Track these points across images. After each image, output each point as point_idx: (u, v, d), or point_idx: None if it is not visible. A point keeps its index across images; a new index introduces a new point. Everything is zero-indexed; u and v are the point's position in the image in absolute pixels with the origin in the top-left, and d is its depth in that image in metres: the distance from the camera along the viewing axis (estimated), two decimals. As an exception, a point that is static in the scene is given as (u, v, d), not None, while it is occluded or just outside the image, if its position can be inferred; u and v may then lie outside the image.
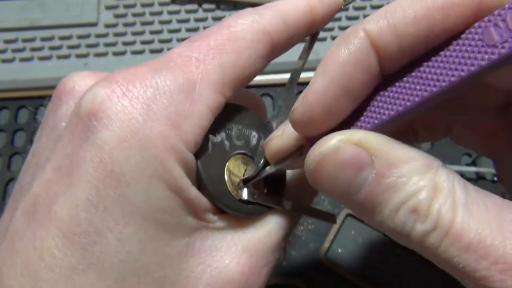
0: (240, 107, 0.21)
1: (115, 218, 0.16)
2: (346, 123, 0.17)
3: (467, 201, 0.15)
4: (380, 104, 0.16)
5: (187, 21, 0.47)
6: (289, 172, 0.22)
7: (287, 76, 0.22)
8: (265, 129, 0.22)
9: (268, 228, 0.20)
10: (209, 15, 0.47)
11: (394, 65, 0.16)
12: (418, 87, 0.16)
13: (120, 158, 0.16)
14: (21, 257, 0.16)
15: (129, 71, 0.18)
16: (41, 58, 0.46)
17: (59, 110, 0.20)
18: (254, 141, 0.21)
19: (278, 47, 0.20)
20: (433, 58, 0.16)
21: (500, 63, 0.15)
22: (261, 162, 0.20)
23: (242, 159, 0.21)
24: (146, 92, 0.17)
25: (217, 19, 0.47)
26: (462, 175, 0.38)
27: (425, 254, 0.16)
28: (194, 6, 0.47)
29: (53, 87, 0.21)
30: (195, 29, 0.47)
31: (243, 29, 0.19)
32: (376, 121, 0.16)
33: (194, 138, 0.18)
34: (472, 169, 0.38)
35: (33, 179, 0.18)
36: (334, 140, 0.16)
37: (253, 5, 0.51)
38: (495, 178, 0.38)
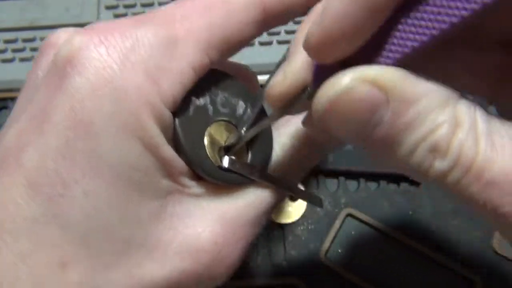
0: (229, 76, 0.20)
1: (83, 170, 0.16)
2: (364, 54, 0.15)
3: (491, 134, 0.14)
4: (400, 33, 0.14)
5: (187, 21, 0.47)
6: (275, 149, 0.21)
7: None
8: (254, 101, 0.21)
9: (248, 200, 0.19)
10: (209, 15, 0.47)
11: None
12: (448, 9, 0.13)
13: (91, 107, 0.16)
14: None
15: (111, 22, 0.17)
16: (41, 58, 0.46)
17: (40, 62, 0.19)
18: (240, 111, 0.20)
19: (271, 16, 0.19)
20: None
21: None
22: (245, 127, 0.19)
23: (225, 126, 0.20)
24: (124, 42, 0.17)
25: (217, 19, 0.47)
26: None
27: (446, 191, 0.15)
28: (194, 6, 0.47)
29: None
30: (195, 29, 0.47)
31: None
32: (397, 55, 0.15)
33: (172, 95, 0.17)
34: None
35: (6, 131, 0.17)
36: (346, 78, 0.14)
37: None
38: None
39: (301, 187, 0.21)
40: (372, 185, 0.39)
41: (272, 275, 0.36)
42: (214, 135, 0.19)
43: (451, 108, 0.14)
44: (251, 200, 0.20)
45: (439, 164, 0.14)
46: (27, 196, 0.16)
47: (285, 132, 0.22)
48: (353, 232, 0.37)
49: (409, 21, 0.14)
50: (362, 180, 0.39)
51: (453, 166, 0.14)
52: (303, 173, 0.23)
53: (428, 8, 0.14)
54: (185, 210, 0.18)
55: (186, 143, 0.18)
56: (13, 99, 0.44)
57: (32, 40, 0.47)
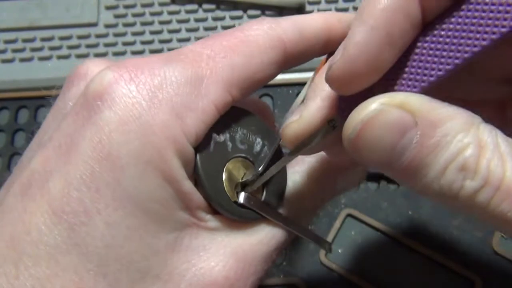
0: (248, 113, 0.21)
1: (106, 201, 0.16)
2: (386, 83, 0.16)
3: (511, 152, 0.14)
4: (422, 63, 0.15)
5: (187, 21, 0.47)
6: (289, 186, 0.22)
7: (287, 76, 0.22)
8: (271, 137, 0.22)
9: (261, 236, 0.20)
10: (209, 15, 0.47)
11: (436, 12, 0.15)
12: (470, 38, 0.14)
13: (118, 141, 0.16)
14: (9, 230, 0.16)
15: (140, 59, 0.18)
16: (41, 59, 0.46)
17: (69, 92, 0.20)
18: (258, 148, 0.21)
19: (291, 57, 0.20)
20: (473, 11, 0.14)
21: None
22: (262, 166, 0.20)
23: (243, 162, 0.21)
24: (153, 79, 0.17)
25: (217, 19, 0.47)
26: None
27: (474, 212, 0.15)
28: (194, 6, 0.47)
29: (53, 88, 0.21)
30: (195, 29, 0.47)
31: (257, 34, 0.19)
32: (423, 84, 0.15)
33: (196, 132, 0.18)
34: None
35: (33, 155, 0.18)
36: (375, 103, 0.15)
37: (253, 5, 0.51)
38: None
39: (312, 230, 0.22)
40: (372, 185, 0.39)
41: (272, 275, 0.36)
42: (232, 170, 0.20)
43: (475, 130, 0.15)
44: (264, 236, 0.20)
45: (470, 184, 0.14)
46: (50, 223, 0.16)
47: (299, 171, 0.23)
48: (353, 232, 0.37)
49: (431, 51, 0.15)
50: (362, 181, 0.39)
51: (483, 185, 0.14)
52: (314, 213, 0.23)
53: (449, 37, 0.15)
54: (200, 243, 0.19)
55: (205, 177, 0.19)
56: (13, 99, 0.44)
57: (32, 40, 0.47)
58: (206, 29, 0.47)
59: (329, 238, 0.36)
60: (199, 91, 0.18)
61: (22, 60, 0.46)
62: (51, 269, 0.16)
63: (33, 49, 0.46)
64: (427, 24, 0.15)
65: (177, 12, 0.47)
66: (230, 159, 0.20)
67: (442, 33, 0.15)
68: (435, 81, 0.15)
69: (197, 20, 0.47)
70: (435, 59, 0.15)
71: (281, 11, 0.46)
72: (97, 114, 0.17)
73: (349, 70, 0.15)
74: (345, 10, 0.46)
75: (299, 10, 0.46)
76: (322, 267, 0.36)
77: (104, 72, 0.18)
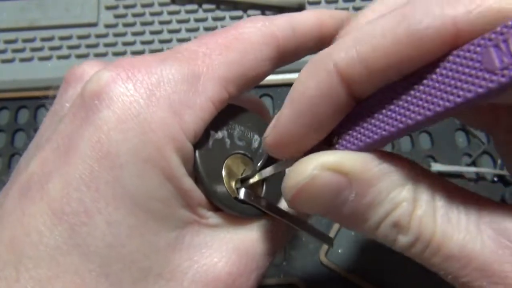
0: (245, 110, 0.21)
1: (106, 200, 0.16)
2: (326, 141, 0.17)
3: (447, 210, 0.15)
4: (356, 132, 0.16)
5: (187, 21, 0.47)
6: None
7: (287, 76, 0.23)
8: None
9: (262, 231, 0.20)
10: (209, 15, 0.47)
11: (367, 93, 0.16)
12: (400, 115, 0.15)
13: (117, 139, 0.16)
14: (8, 233, 0.16)
15: (136, 58, 0.18)
16: (41, 59, 0.46)
17: (66, 94, 0.20)
18: (255, 144, 0.21)
19: (285, 54, 0.20)
20: (419, 83, 0.14)
21: (499, 91, 0.13)
22: (260, 162, 0.20)
23: (242, 158, 0.21)
24: (150, 78, 0.17)
25: (217, 19, 0.47)
26: (462, 175, 0.38)
27: (413, 258, 0.16)
28: (194, 7, 0.47)
29: (56, 87, 0.21)
30: (195, 29, 0.47)
31: (251, 31, 0.19)
32: (353, 147, 0.16)
33: (194, 129, 0.18)
34: (472, 169, 0.38)
35: (31, 158, 0.18)
36: (309, 168, 0.16)
37: (254, 5, 0.51)
38: (495, 179, 0.38)
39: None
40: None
41: (272, 275, 0.36)
42: (231, 167, 0.20)
43: (409, 187, 0.15)
44: (265, 231, 0.20)
45: (402, 239, 0.15)
46: (50, 224, 0.16)
47: None
48: (353, 232, 0.37)
49: (362, 121, 0.16)
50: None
51: (415, 241, 0.15)
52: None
53: (382, 110, 0.15)
54: (202, 240, 0.19)
55: (205, 174, 0.19)
56: (13, 99, 0.44)
57: (32, 40, 0.47)
58: (206, 29, 0.47)
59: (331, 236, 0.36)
60: (196, 88, 0.18)
61: (22, 60, 0.46)
62: (52, 271, 0.16)
63: (33, 49, 0.46)
64: (358, 100, 0.16)
65: (177, 12, 0.47)
66: (229, 156, 0.20)
67: (374, 113, 0.15)
68: (372, 143, 0.16)
69: (197, 20, 0.47)
70: (370, 125, 0.15)
71: (281, 11, 0.46)
72: (95, 113, 0.17)
73: (278, 144, 0.17)
74: (345, 10, 0.46)
75: (299, 10, 0.46)
76: (322, 267, 0.36)
77: (101, 72, 0.18)
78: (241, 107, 0.21)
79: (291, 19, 0.20)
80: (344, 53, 0.15)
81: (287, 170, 0.18)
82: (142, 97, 0.17)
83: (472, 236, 0.15)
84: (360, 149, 0.16)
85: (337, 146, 0.17)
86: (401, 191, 0.15)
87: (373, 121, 0.16)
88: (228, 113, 0.20)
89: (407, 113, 0.15)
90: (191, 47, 0.19)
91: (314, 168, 0.15)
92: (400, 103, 0.15)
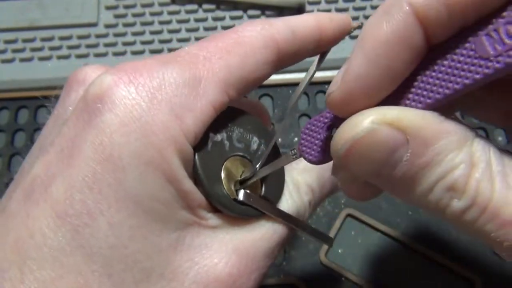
0: (244, 112, 0.21)
1: (108, 202, 0.16)
2: (385, 101, 0.16)
3: (505, 174, 0.15)
4: (422, 86, 0.15)
5: (187, 21, 0.47)
6: (287, 182, 0.22)
7: (287, 76, 0.23)
8: (267, 136, 0.22)
9: (262, 232, 0.20)
10: (209, 15, 0.47)
11: (443, 37, 0.15)
12: (455, 76, 0.15)
13: (119, 142, 0.17)
14: (13, 235, 0.16)
15: (138, 62, 0.18)
16: (41, 59, 0.46)
17: (68, 97, 0.20)
18: (254, 146, 0.21)
19: (285, 57, 0.20)
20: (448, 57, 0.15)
21: (498, 75, 0.14)
22: (259, 164, 0.21)
23: (241, 160, 0.21)
24: (152, 81, 0.18)
25: (217, 19, 0.47)
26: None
27: (461, 227, 0.15)
28: (194, 7, 0.47)
29: (53, 88, 0.21)
30: (195, 29, 0.47)
31: (251, 35, 0.20)
32: (419, 105, 0.16)
33: (194, 131, 0.18)
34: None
35: (34, 161, 0.18)
36: (366, 121, 0.15)
37: (254, 5, 0.51)
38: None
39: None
40: (372, 185, 0.39)
41: (272, 275, 0.36)
42: (231, 169, 0.20)
43: (467, 149, 0.15)
44: (265, 232, 0.20)
45: (456, 204, 0.15)
46: (54, 226, 0.16)
47: (296, 168, 0.23)
48: (353, 232, 0.37)
49: (430, 79, 0.15)
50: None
51: (470, 206, 0.15)
52: (313, 209, 0.24)
53: (450, 65, 0.15)
54: (202, 241, 0.19)
55: (204, 176, 0.19)
56: (13, 99, 0.44)
57: (32, 40, 0.47)
58: (206, 29, 0.47)
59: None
60: (197, 92, 0.18)
61: (22, 60, 0.46)
62: (56, 272, 0.16)
63: (33, 49, 0.46)
64: (433, 47, 0.15)
65: (177, 12, 0.47)
66: (228, 158, 0.20)
67: (443, 61, 0.15)
68: (433, 103, 0.15)
69: (197, 20, 0.47)
70: (436, 83, 0.15)
71: (281, 11, 0.46)
72: (98, 116, 0.17)
73: (347, 99, 0.16)
74: (345, 10, 0.46)
75: (299, 10, 0.46)
76: (322, 267, 0.36)
77: (103, 75, 0.18)
78: (240, 109, 0.21)
79: (291, 22, 0.20)
80: None
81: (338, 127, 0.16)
82: (144, 100, 0.17)
83: None
84: (422, 108, 0.16)
85: (395, 102, 0.16)
86: (459, 153, 0.15)
87: (434, 80, 0.15)
88: (227, 115, 0.20)
89: (469, 72, 0.15)
90: (192, 51, 0.19)
91: (372, 121, 0.15)
92: (457, 64, 0.15)
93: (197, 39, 0.46)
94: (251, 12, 0.47)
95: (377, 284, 0.35)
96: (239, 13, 0.47)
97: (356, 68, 0.15)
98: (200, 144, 0.19)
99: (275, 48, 0.20)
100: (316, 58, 0.21)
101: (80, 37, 0.47)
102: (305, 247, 0.37)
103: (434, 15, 0.14)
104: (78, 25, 0.47)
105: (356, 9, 0.46)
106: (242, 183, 0.21)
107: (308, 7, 0.46)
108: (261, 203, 0.20)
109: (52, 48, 0.46)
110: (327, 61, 0.21)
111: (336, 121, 0.18)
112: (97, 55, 0.46)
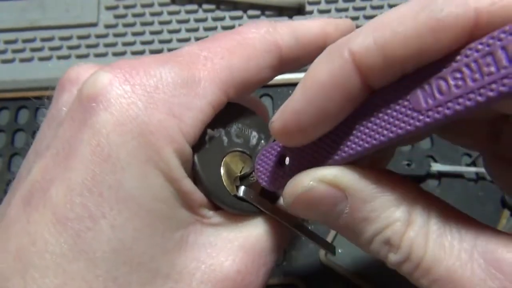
0: (242, 107, 0.21)
1: (110, 204, 0.16)
2: (324, 143, 0.17)
3: (441, 234, 0.15)
4: (361, 130, 0.16)
5: (187, 21, 0.47)
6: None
7: (287, 76, 0.23)
8: (267, 131, 0.21)
9: (266, 227, 0.20)
10: (209, 15, 0.47)
11: (382, 84, 0.15)
12: (382, 129, 0.15)
13: (117, 142, 0.16)
14: (14, 242, 0.16)
15: (135, 60, 0.18)
16: (41, 59, 0.46)
17: (61, 98, 0.20)
18: (254, 141, 0.21)
19: (287, 62, 0.20)
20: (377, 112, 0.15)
21: (428, 129, 0.14)
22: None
23: (240, 156, 0.21)
24: (149, 80, 0.17)
25: (217, 19, 0.47)
26: (462, 175, 0.38)
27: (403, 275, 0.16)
28: (194, 7, 0.47)
29: (53, 88, 0.21)
30: (195, 30, 0.47)
31: (255, 37, 0.19)
32: (351, 152, 0.16)
33: (193, 131, 0.18)
34: (472, 169, 0.38)
35: (32, 166, 0.18)
36: (306, 181, 0.16)
37: (254, 5, 0.51)
38: (495, 178, 0.38)
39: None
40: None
41: (272, 275, 0.36)
42: (230, 165, 0.20)
43: (405, 207, 0.16)
44: (270, 227, 0.20)
45: (393, 257, 0.16)
46: (55, 231, 0.16)
47: None
48: (353, 232, 0.37)
49: (368, 124, 0.16)
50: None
51: (405, 261, 0.16)
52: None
53: (378, 119, 0.15)
54: (206, 240, 0.19)
55: (204, 174, 0.19)
56: (13, 99, 0.44)
57: (32, 40, 0.47)
58: (206, 29, 0.47)
59: (329, 238, 0.36)
60: (196, 91, 0.18)
61: (22, 60, 0.46)
62: (59, 279, 0.16)
63: (33, 49, 0.46)
64: (375, 91, 0.15)
65: (177, 12, 0.47)
66: (227, 154, 0.20)
67: (381, 108, 0.15)
68: (370, 148, 0.16)
69: (197, 20, 0.47)
70: (373, 129, 0.15)
71: (281, 11, 0.46)
72: (93, 116, 0.17)
73: (285, 131, 0.16)
74: (345, 10, 0.46)
75: (299, 10, 0.46)
76: (322, 267, 0.36)
77: (97, 74, 0.17)
78: (239, 104, 0.21)
79: (296, 28, 0.20)
80: (361, 39, 0.14)
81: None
82: (140, 99, 0.17)
83: (462, 263, 0.15)
84: (353, 157, 0.16)
85: (334, 153, 0.17)
86: (395, 211, 0.15)
87: (365, 131, 0.16)
88: (225, 110, 0.19)
89: (376, 132, 0.15)
90: (192, 51, 0.19)
91: (312, 180, 0.16)
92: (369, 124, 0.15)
93: (197, 39, 0.46)
94: (251, 12, 0.47)
95: (377, 284, 0.35)
96: (239, 13, 0.47)
97: (294, 103, 0.16)
98: (198, 141, 0.19)
99: (277, 53, 0.20)
100: None
101: (80, 37, 0.47)
102: (305, 247, 0.37)
103: (372, 64, 0.14)
104: (78, 25, 0.47)
105: (356, 9, 0.46)
106: (242, 179, 0.20)
107: (308, 7, 0.46)
108: (260, 201, 0.20)
109: (52, 48, 0.46)
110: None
111: (286, 151, 0.18)
112: (97, 55, 0.46)
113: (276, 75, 0.21)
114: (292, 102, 0.16)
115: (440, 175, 0.39)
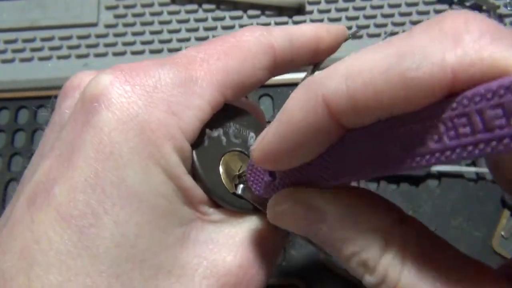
0: (239, 109, 0.22)
1: (112, 200, 0.16)
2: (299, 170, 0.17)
3: (418, 259, 0.15)
4: (335, 168, 0.16)
5: (187, 21, 0.47)
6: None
7: (288, 76, 0.23)
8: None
9: (266, 223, 0.20)
10: (209, 15, 0.47)
11: (357, 126, 0.15)
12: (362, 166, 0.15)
13: (119, 139, 0.17)
14: (19, 242, 0.16)
15: (135, 63, 0.19)
16: (41, 59, 0.46)
17: (64, 103, 0.20)
18: (251, 141, 0.22)
19: (281, 64, 0.21)
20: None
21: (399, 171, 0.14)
22: None
23: (239, 156, 0.21)
24: (148, 80, 0.18)
25: (217, 19, 0.47)
26: (462, 175, 0.38)
27: None
28: (194, 7, 0.47)
29: (53, 88, 0.21)
30: (195, 30, 0.47)
31: (249, 40, 0.20)
32: (332, 182, 0.17)
33: (192, 129, 0.18)
34: (472, 169, 0.38)
35: (36, 168, 0.18)
36: (285, 202, 0.17)
37: (254, 5, 0.51)
38: (495, 178, 0.38)
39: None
40: (372, 185, 0.39)
41: (272, 275, 0.36)
42: (229, 164, 0.21)
43: (381, 234, 0.16)
44: (269, 223, 0.20)
45: (368, 278, 0.16)
46: (59, 229, 0.16)
47: None
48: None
49: (343, 162, 0.16)
50: (362, 181, 0.39)
51: (380, 284, 0.16)
52: None
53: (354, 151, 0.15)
54: (207, 236, 0.19)
55: (203, 172, 0.19)
56: (13, 99, 0.44)
57: (32, 40, 0.47)
58: (206, 29, 0.47)
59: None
60: (194, 90, 0.18)
61: (22, 60, 0.46)
62: (63, 275, 0.16)
63: (33, 49, 0.46)
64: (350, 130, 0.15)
65: (177, 12, 0.47)
66: (226, 153, 0.21)
67: (354, 146, 0.15)
68: (344, 180, 0.16)
69: (197, 20, 0.47)
70: (345, 167, 0.16)
71: (281, 11, 0.46)
72: (95, 116, 0.17)
73: (263, 160, 0.17)
74: (345, 10, 0.46)
75: (299, 10, 0.46)
76: (322, 267, 0.36)
77: (98, 76, 0.18)
78: (235, 106, 0.21)
79: (289, 31, 0.21)
80: (334, 85, 0.14)
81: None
82: (140, 98, 0.17)
83: None
84: (333, 183, 0.17)
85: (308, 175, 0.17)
86: (372, 236, 0.16)
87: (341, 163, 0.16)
88: (223, 112, 0.20)
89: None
90: (189, 53, 0.19)
91: (290, 202, 0.17)
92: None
93: (197, 39, 0.46)
94: (251, 12, 0.47)
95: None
96: (239, 13, 0.47)
97: (270, 137, 0.16)
98: (197, 140, 0.19)
99: (272, 55, 0.20)
100: (310, 67, 0.22)
101: (80, 37, 0.47)
102: (305, 247, 0.37)
103: (344, 109, 0.14)
104: (78, 25, 0.47)
105: (356, 9, 0.46)
106: (240, 178, 0.21)
107: (308, 7, 0.46)
108: (258, 200, 0.20)
109: (52, 48, 0.46)
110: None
111: None
112: (97, 55, 0.46)
113: (271, 77, 0.21)
114: (268, 135, 0.16)
115: (440, 175, 0.39)
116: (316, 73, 0.15)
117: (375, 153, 0.14)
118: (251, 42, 0.20)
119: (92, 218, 0.16)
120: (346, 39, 0.22)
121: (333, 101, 0.14)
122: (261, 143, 0.16)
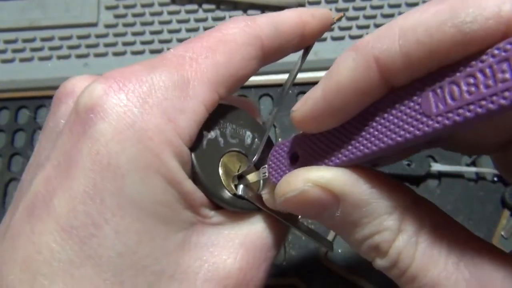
0: (234, 108, 0.22)
1: (112, 210, 0.16)
2: (335, 143, 0.17)
3: (430, 244, 0.16)
4: (365, 136, 0.16)
5: (187, 21, 0.47)
6: None
7: (287, 76, 0.23)
8: (260, 130, 0.22)
9: (266, 224, 0.20)
10: (209, 15, 0.47)
11: (402, 83, 0.15)
12: (389, 133, 0.15)
13: (116, 150, 0.17)
14: (20, 253, 0.16)
15: (125, 69, 0.18)
16: (41, 59, 0.46)
17: (59, 111, 0.20)
18: (248, 140, 0.22)
19: (269, 52, 0.21)
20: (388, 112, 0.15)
21: (436, 135, 0.14)
22: (255, 158, 0.21)
23: (237, 156, 0.21)
24: (142, 87, 0.18)
25: (217, 19, 0.47)
26: (462, 175, 0.38)
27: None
28: (194, 7, 0.47)
29: (53, 88, 0.21)
30: (195, 30, 0.47)
31: (235, 32, 0.20)
32: (352, 156, 0.16)
33: (189, 133, 0.18)
34: (472, 169, 0.38)
35: (33, 178, 0.18)
36: (299, 182, 0.17)
37: (253, 5, 0.51)
38: (495, 178, 0.38)
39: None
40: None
41: (272, 275, 0.36)
42: (227, 164, 0.21)
43: (396, 216, 0.16)
44: (269, 223, 0.21)
45: (380, 262, 0.16)
46: (60, 240, 0.16)
47: None
48: (353, 232, 0.37)
49: (378, 126, 0.15)
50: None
51: (392, 266, 0.16)
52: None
53: (389, 120, 0.15)
54: (208, 239, 0.19)
55: (203, 175, 0.19)
56: (13, 99, 0.44)
57: (32, 40, 0.47)
58: (206, 29, 0.47)
59: (329, 238, 0.36)
60: (187, 93, 0.18)
61: (22, 60, 0.46)
62: (67, 285, 0.16)
63: (33, 49, 0.46)
64: (394, 89, 0.15)
65: (177, 12, 0.47)
66: (224, 154, 0.21)
67: (392, 110, 0.15)
68: (377, 151, 0.16)
69: (197, 20, 0.47)
70: (383, 131, 0.15)
71: (281, 11, 0.46)
72: (91, 127, 0.17)
73: (304, 121, 0.17)
74: (345, 10, 0.46)
75: (299, 10, 0.46)
76: (322, 267, 0.36)
77: (92, 85, 0.18)
78: (231, 105, 0.21)
79: (274, 18, 0.21)
80: (386, 46, 0.14)
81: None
82: (136, 106, 0.17)
83: (448, 273, 0.15)
84: (351, 161, 0.16)
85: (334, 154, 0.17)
86: (386, 219, 0.16)
87: (369, 134, 0.16)
88: (218, 112, 0.20)
89: (378, 138, 0.15)
90: (178, 52, 0.19)
91: (305, 183, 0.17)
92: (372, 129, 0.15)
93: (197, 39, 0.46)
94: (251, 12, 0.47)
95: (377, 284, 0.35)
96: (239, 13, 0.47)
97: (315, 100, 0.16)
98: (195, 143, 0.19)
99: (259, 44, 0.20)
100: (300, 53, 0.22)
101: (80, 37, 0.47)
102: (305, 247, 0.37)
103: (396, 69, 0.14)
104: (78, 25, 0.47)
105: (356, 9, 0.46)
106: (240, 178, 0.21)
107: (308, 7, 0.46)
108: (258, 200, 0.20)
109: (52, 48, 0.46)
110: (313, 62, 0.21)
111: (298, 149, 0.19)
112: (97, 55, 0.46)
113: (261, 66, 0.21)
114: (312, 98, 0.16)
115: (440, 175, 0.39)
116: (366, 35, 0.15)
117: (406, 120, 0.14)
118: (236, 34, 0.20)
119: (93, 228, 0.16)
120: (332, 22, 0.22)
121: (386, 61, 0.14)
122: (305, 104, 0.17)
